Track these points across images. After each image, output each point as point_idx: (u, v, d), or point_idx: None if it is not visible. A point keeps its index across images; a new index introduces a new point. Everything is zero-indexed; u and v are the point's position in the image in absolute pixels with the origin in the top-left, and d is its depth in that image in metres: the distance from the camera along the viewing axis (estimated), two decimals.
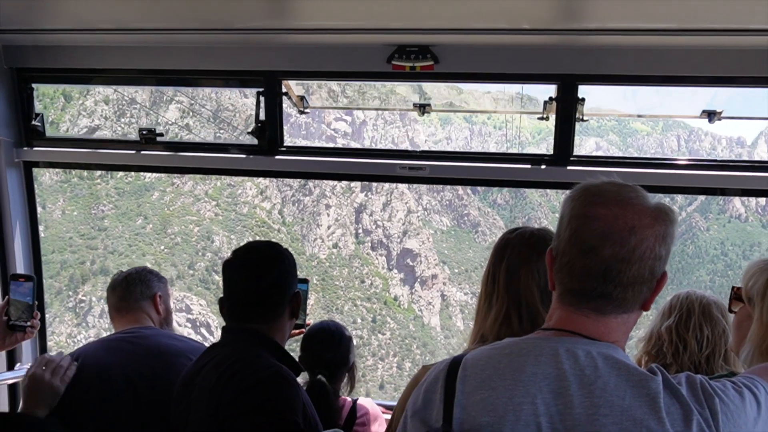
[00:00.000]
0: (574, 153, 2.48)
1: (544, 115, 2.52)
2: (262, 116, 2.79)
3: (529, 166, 2.53)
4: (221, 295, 1.88)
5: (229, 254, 1.89)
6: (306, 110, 2.88)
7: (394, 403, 2.43)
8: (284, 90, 2.77)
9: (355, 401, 2.37)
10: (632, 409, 1.05)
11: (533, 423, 1.08)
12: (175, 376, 1.89)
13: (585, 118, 2.45)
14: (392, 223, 64.04)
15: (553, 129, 2.46)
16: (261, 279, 1.80)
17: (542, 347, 1.15)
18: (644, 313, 1.25)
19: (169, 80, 3.00)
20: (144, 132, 2.94)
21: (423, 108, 2.68)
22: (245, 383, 1.62)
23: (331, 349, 2.34)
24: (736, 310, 1.67)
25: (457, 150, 2.61)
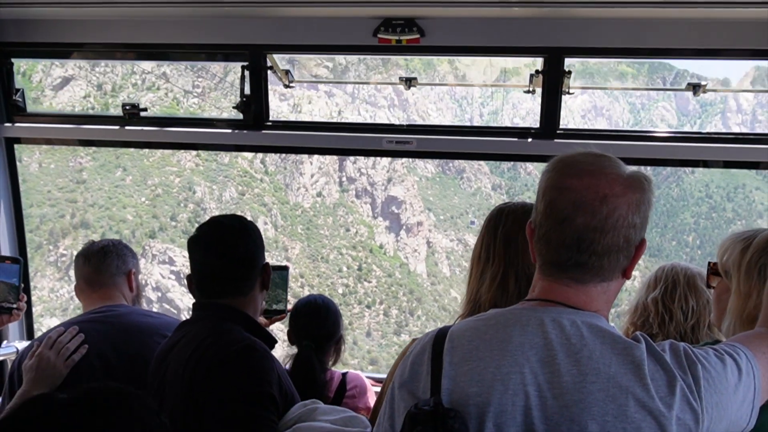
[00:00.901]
0: (561, 126, 2.50)
1: (531, 89, 2.52)
2: (247, 90, 2.76)
3: (515, 140, 2.55)
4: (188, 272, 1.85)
5: (194, 230, 1.86)
6: (291, 84, 2.85)
7: (383, 376, 2.51)
8: (269, 64, 2.73)
9: (344, 374, 2.40)
10: (618, 377, 1.08)
11: (521, 392, 1.10)
12: (151, 354, 1.88)
13: (571, 91, 2.46)
14: (376, 171, 63.83)
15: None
16: (228, 255, 1.78)
17: (528, 317, 1.17)
18: (627, 282, 1.26)
19: (152, 54, 2.94)
20: (127, 107, 2.90)
21: (409, 82, 2.66)
22: (217, 358, 1.62)
23: (318, 321, 2.35)
24: (714, 285, 1.71)
25: (444, 124, 2.59)
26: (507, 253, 1.66)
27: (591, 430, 1.07)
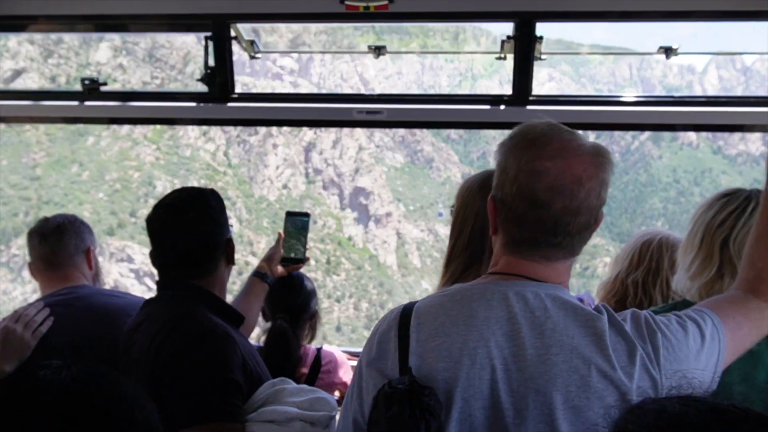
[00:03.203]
0: (533, 92, 2.48)
1: (502, 55, 2.49)
2: (211, 62, 2.65)
3: (488, 107, 2.52)
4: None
5: (151, 209, 1.78)
6: (257, 55, 2.76)
7: (360, 350, 2.45)
8: (233, 34, 2.63)
9: (319, 349, 2.36)
10: (581, 348, 1.10)
11: (488, 366, 1.12)
12: (119, 336, 1.83)
13: (543, 56, 2.44)
14: (343, 161, 63.63)
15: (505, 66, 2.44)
16: (191, 236, 1.72)
17: (492, 291, 1.18)
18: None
19: (110, 26, 2.78)
20: (87, 82, 2.75)
21: (378, 50, 2.61)
22: (178, 343, 1.59)
23: (291, 294, 2.30)
24: None
25: (415, 92, 2.54)
26: None
27: (555, 401, 1.08)
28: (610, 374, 1.09)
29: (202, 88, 2.71)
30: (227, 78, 2.67)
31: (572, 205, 1.15)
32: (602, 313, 1.15)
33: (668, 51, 2.38)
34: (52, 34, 3.19)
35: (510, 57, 2.47)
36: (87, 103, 2.78)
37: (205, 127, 54.30)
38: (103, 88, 2.78)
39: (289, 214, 2.32)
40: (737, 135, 66.06)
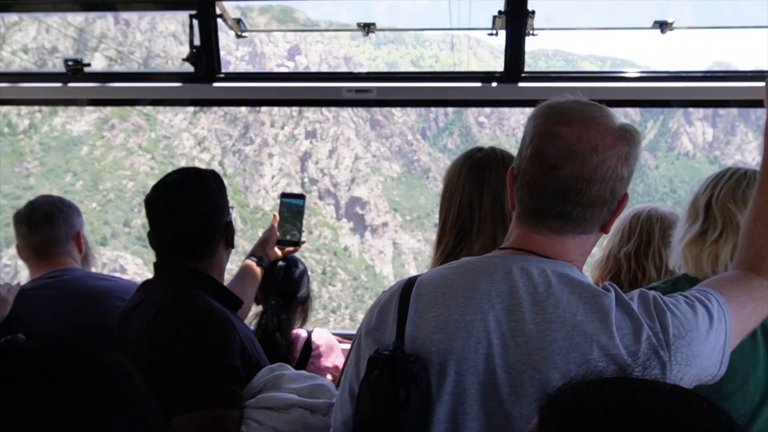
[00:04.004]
0: (526, 69, 2.43)
1: (494, 31, 2.44)
2: (196, 41, 2.60)
3: (479, 85, 2.47)
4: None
5: (150, 190, 1.74)
6: (243, 34, 2.70)
7: (353, 332, 2.39)
8: (219, 12, 2.58)
9: (309, 333, 2.31)
10: (583, 325, 1.06)
11: (484, 339, 1.09)
12: (110, 319, 1.81)
13: (535, 32, 2.39)
14: (339, 171, 63.54)
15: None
16: (190, 219, 1.69)
17: (497, 265, 1.15)
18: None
19: (96, 5, 2.74)
20: (70, 63, 2.69)
21: (367, 27, 2.56)
22: (175, 328, 1.56)
23: (284, 276, 2.26)
24: None
25: (405, 70, 2.49)
26: (494, 215, 1.63)
27: (553, 379, 1.05)
28: (613, 352, 1.04)
29: (188, 68, 2.66)
30: (213, 58, 2.62)
31: (583, 171, 1.11)
32: (610, 291, 1.11)
33: (663, 25, 2.34)
34: (36, 14, 3.11)
35: (502, 33, 2.42)
36: (71, 84, 2.72)
37: (200, 137, 54.32)
38: (87, 69, 2.72)
39: (284, 195, 2.28)
40: (733, 145, 66.55)
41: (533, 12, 2.34)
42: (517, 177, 1.19)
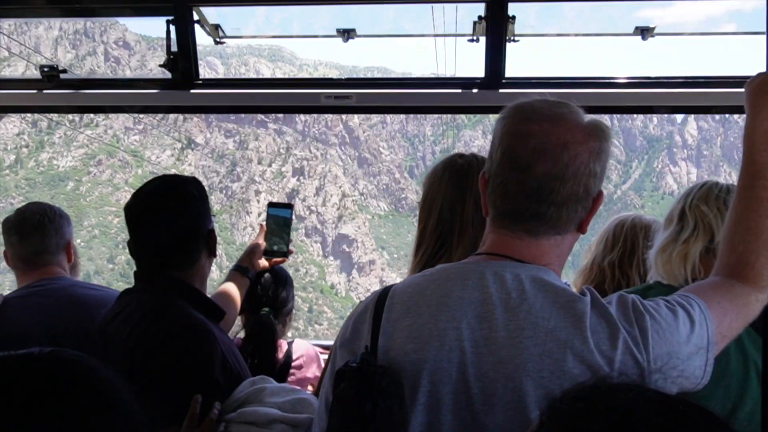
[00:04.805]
0: (506, 75, 2.39)
1: (475, 37, 2.42)
2: (174, 47, 2.55)
3: (459, 91, 2.42)
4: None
5: (130, 197, 1.70)
6: (222, 40, 2.66)
7: (332, 343, 2.30)
8: (196, 18, 2.54)
9: (290, 343, 2.26)
10: (557, 331, 1.03)
11: (457, 348, 1.05)
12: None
13: (516, 39, 2.37)
14: (326, 209, 63.62)
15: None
16: (170, 227, 1.65)
17: (470, 271, 1.12)
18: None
19: (74, 10, 2.69)
20: (46, 69, 2.63)
21: (347, 33, 2.53)
22: (155, 340, 1.53)
23: (276, 288, 2.23)
24: None
25: (385, 76, 2.45)
26: (474, 221, 1.59)
27: (526, 388, 1.01)
28: (588, 358, 1.01)
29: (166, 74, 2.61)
30: (191, 64, 2.56)
31: (555, 169, 1.08)
32: (585, 295, 1.08)
33: (644, 31, 2.33)
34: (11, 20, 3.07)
35: (482, 39, 2.40)
36: (46, 91, 2.65)
37: (187, 173, 54.23)
38: (63, 76, 2.66)
39: (271, 205, 2.23)
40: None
41: (514, 17, 2.32)
42: (489, 181, 1.17)
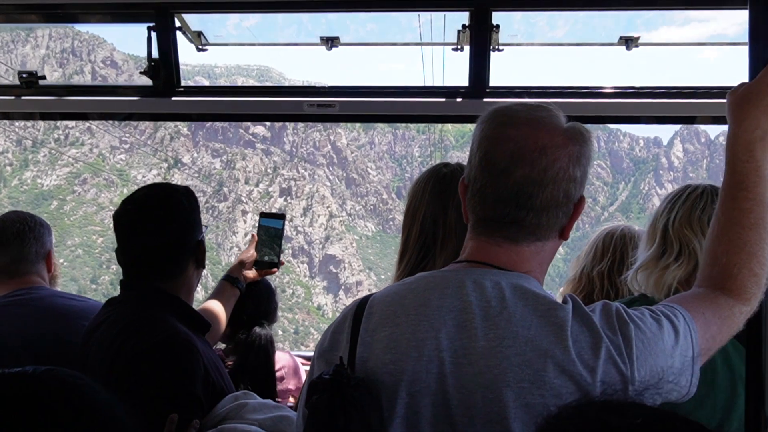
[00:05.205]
0: (491, 84, 2.38)
1: (459, 46, 2.41)
2: (155, 54, 2.52)
3: (443, 100, 2.41)
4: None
5: (120, 204, 1.69)
6: (205, 48, 2.64)
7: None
8: (178, 24, 2.52)
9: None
10: (537, 339, 1.01)
11: (435, 358, 1.03)
12: (77, 338, 1.75)
13: (501, 48, 2.36)
14: (314, 229, 63.42)
15: None
16: (158, 236, 1.64)
17: (449, 280, 1.11)
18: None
19: (52, 16, 2.65)
20: (24, 75, 2.58)
21: (331, 42, 2.51)
22: (135, 351, 1.50)
23: (269, 299, 2.27)
24: None
25: (369, 84, 2.46)
26: (458, 230, 1.59)
27: (506, 398, 0.99)
28: (569, 368, 0.99)
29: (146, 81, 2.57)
30: (173, 71, 2.53)
31: (533, 174, 1.07)
32: (567, 302, 1.06)
33: (629, 41, 2.34)
34: None
35: (467, 48, 2.39)
36: (24, 97, 2.60)
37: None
38: (42, 82, 2.62)
39: (263, 215, 2.22)
40: None
41: (498, 26, 2.31)
42: (468, 187, 1.16)
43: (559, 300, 1.10)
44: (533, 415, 0.97)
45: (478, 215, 1.15)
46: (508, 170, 1.08)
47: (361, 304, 1.15)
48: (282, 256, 2.22)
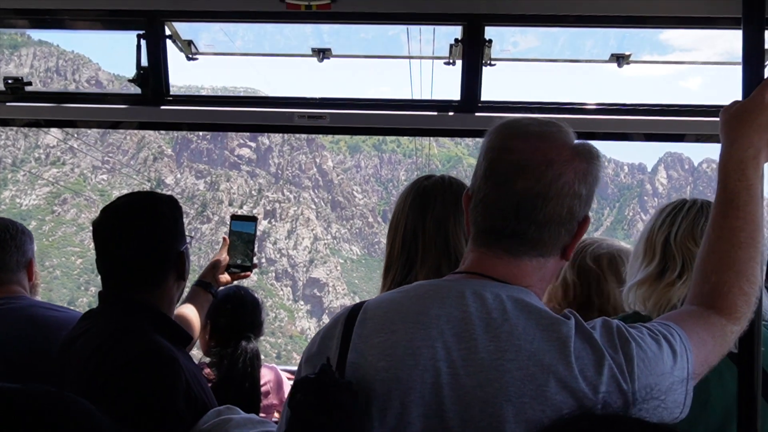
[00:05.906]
0: (482, 99, 2.38)
1: (451, 60, 2.42)
2: (144, 62, 2.49)
3: (435, 113, 2.41)
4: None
5: (99, 212, 1.65)
6: (195, 56, 2.62)
7: None
8: (168, 33, 2.50)
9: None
10: (540, 354, 0.99)
11: (432, 368, 1.00)
12: (55, 349, 1.70)
13: (492, 62, 2.37)
14: (298, 252, 63.04)
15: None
16: (138, 246, 1.60)
17: (449, 289, 1.09)
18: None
19: (41, 22, 2.62)
20: (9, 81, 2.54)
21: (322, 53, 2.50)
22: (116, 364, 1.46)
23: (256, 312, 2.26)
24: None
25: (360, 96, 2.44)
26: (437, 242, 1.58)
27: (506, 414, 0.96)
28: (571, 384, 0.97)
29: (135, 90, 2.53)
30: (161, 79, 2.51)
31: (537, 187, 1.06)
32: (569, 318, 1.04)
33: (620, 58, 2.36)
34: None
35: (459, 63, 2.39)
36: (9, 104, 2.56)
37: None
38: (28, 88, 2.57)
39: (234, 218, 2.17)
40: None
41: (490, 41, 2.32)
42: (472, 197, 1.14)
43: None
44: (531, 431, 0.95)
45: (479, 226, 1.13)
46: (510, 181, 1.07)
47: (354, 310, 1.12)
48: (255, 259, 2.17)
